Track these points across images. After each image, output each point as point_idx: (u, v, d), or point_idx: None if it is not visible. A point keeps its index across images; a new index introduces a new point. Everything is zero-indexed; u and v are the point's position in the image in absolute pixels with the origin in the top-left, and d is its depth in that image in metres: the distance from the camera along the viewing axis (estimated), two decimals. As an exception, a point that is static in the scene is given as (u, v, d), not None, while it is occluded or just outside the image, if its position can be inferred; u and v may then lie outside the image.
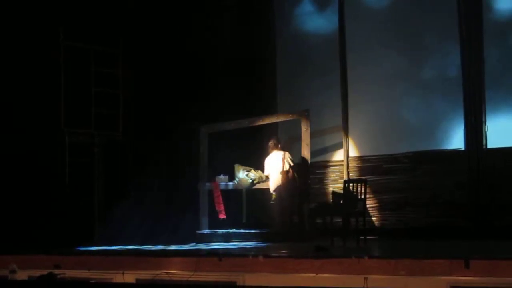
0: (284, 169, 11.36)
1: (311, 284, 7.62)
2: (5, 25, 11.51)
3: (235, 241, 11.30)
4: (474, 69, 11.65)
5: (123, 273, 8.67)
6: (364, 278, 7.49)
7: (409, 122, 12.19)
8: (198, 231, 11.60)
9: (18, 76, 11.55)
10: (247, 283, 8.02)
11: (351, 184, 10.35)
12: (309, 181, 11.85)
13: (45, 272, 8.42)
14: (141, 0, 12.97)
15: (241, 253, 9.13)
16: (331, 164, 12.74)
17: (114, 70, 12.63)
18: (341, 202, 10.54)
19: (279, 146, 11.67)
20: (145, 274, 8.59)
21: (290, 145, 12.26)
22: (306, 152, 11.69)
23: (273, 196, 11.51)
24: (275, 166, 11.47)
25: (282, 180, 11.37)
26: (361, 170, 12.42)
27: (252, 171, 11.73)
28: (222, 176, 11.94)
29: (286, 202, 11.38)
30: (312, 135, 11.93)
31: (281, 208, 11.43)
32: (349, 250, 9.34)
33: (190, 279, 8.25)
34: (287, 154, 11.54)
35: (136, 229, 11.11)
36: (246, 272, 8.17)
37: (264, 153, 11.74)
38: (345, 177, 12.27)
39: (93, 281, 8.51)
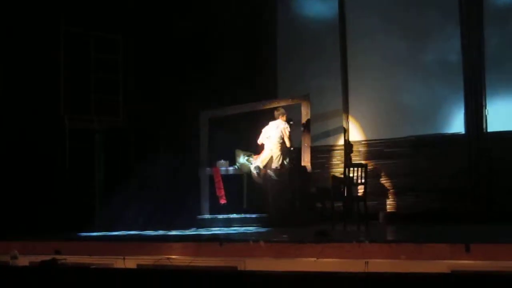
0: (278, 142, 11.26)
1: (312, 269, 7.60)
2: (5, 11, 11.47)
3: (235, 226, 11.30)
4: (474, 53, 11.64)
5: (124, 259, 8.65)
6: (365, 262, 7.47)
7: (410, 106, 12.18)
8: (198, 216, 11.61)
9: (18, 62, 11.53)
10: (248, 268, 8.01)
11: (351, 169, 10.33)
12: (311, 165, 11.84)
13: (46, 258, 8.42)
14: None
15: (241, 238, 9.13)
16: (332, 148, 12.74)
17: (114, 55, 12.58)
18: (341, 186, 10.53)
19: (286, 116, 11.53)
20: (146, 260, 8.57)
21: (290, 129, 12.21)
22: (306, 136, 11.66)
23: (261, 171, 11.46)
24: (271, 136, 11.40)
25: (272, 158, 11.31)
26: (362, 154, 12.43)
27: (253, 156, 11.72)
28: (222, 161, 11.94)
29: (273, 183, 11.32)
30: (313, 119, 11.91)
31: (270, 190, 11.40)
32: (350, 234, 9.35)
33: (191, 264, 8.24)
34: (285, 127, 11.38)
35: (137, 215, 11.13)
36: (247, 257, 8.15)
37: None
38: (345, 162, 12.26)
39: (94, 266, 8.50)
